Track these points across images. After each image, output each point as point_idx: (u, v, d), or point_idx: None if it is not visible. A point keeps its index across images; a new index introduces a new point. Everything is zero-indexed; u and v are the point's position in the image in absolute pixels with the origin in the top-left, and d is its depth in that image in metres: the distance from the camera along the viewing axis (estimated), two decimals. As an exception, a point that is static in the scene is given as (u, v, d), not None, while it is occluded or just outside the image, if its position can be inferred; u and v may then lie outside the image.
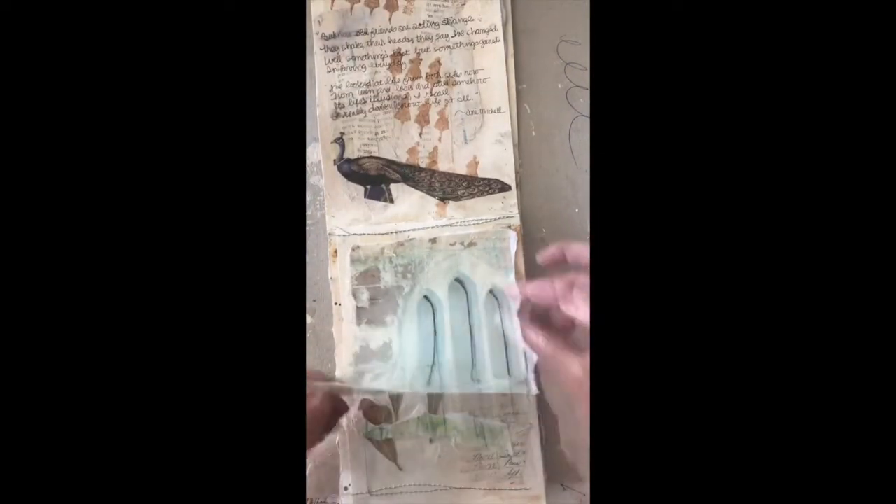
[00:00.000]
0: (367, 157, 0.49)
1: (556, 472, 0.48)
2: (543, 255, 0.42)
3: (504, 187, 0.48)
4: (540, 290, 0.41)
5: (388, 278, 0.47)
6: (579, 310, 0.38)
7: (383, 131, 0.49)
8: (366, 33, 0.49)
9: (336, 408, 0.44)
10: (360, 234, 0.48)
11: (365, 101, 0.49)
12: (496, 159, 0.49)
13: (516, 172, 0.49)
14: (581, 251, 0.40)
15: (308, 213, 0.48)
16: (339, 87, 0.48)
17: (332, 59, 0.48)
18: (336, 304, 0.47)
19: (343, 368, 0.47)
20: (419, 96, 0.49)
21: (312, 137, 0.48)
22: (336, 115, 0.48)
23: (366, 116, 0.49)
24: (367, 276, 0.47)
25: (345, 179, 0.49)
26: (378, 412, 0.47)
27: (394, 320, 0.46)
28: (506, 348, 0.45)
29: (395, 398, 0.47)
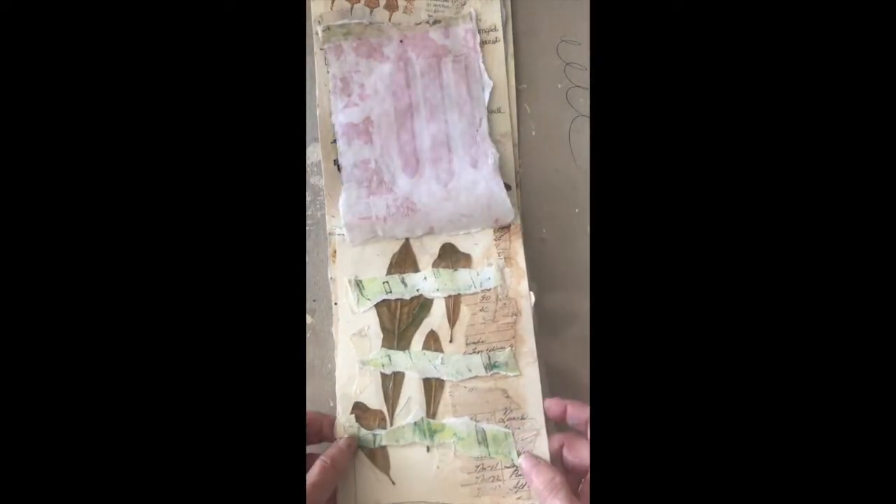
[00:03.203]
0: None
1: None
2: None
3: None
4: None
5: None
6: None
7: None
8: (366, 33, 0.49)
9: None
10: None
11: (365, 101, 0.49)
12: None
13: (516, 172, 0.48)
14: (581, 411, 0.42)
15: (308, 213, 0.48)
16: (339, 87, 0.48)
17: (332, 59, 0.48)
18: (336, 303, 0.47)
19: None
20: (419, 96, 0.49)
21: (312, 137, 0.48)
22: (336, 115, 0.48)
23: (366, 116, 0.49)
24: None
25: (345, 179, 0.49)
26: (371, 416, 0.44)
27: None
28: None
29: (390, 399, 0.45)
